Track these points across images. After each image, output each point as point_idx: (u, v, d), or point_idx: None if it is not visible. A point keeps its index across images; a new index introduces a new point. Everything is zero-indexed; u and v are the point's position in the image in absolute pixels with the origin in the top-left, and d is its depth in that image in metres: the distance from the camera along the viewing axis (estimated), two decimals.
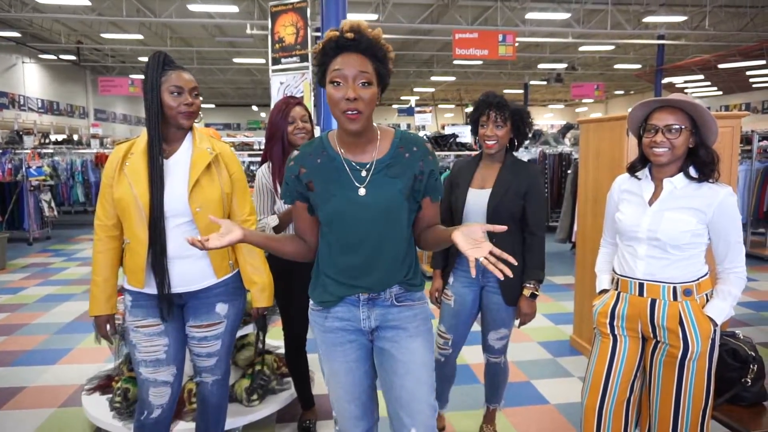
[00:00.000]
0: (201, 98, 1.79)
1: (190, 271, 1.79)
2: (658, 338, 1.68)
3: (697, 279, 1.66)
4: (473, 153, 2.29)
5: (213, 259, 1.81)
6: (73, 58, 17.91)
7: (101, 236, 1.80)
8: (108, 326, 1.85)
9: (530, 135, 2.22)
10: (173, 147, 1.80)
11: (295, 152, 1.46)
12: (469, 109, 2.24)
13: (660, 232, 1.62)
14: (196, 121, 1.83)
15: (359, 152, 1.42)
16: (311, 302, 1.56)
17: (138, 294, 1.79)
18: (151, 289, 1.77)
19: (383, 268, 1.45)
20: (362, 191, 1.39)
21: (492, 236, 2.09)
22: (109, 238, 1.80)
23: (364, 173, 1.40)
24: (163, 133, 1.76)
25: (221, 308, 1.86)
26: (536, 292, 2.11)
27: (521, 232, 2.13)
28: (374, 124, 1.45)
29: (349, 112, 1.31)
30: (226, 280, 1.86)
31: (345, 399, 1.52)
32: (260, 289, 1.94)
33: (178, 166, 1.77)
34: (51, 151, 8.93)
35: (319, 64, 1.37)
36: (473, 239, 1.27)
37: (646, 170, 1.72)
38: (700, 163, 1.62)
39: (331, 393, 1.56)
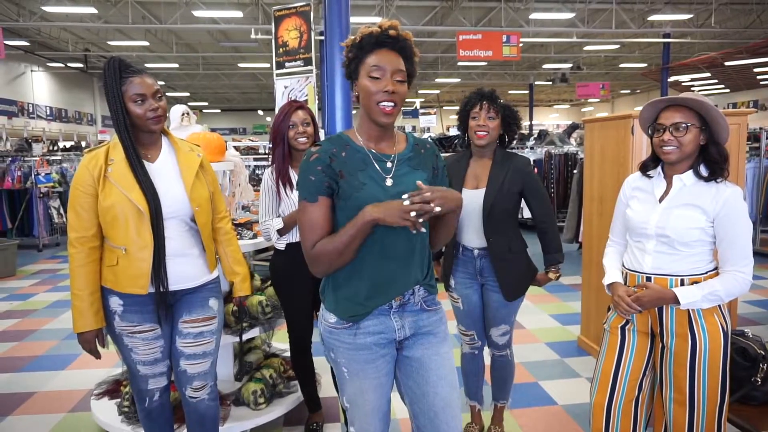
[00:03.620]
0: (165, 99, 1.77)
1: (189, 269, 1.82)
2: (665, 333, 1.67)
3: (705, 272, 1.64)
4: None
5: (208, 254, 1.87)
6: (80, 65, 18.08)
7: (81, 248, 1.72)
8: (97, 341, 1.78)
9: (518, 133, 2.28)
10: (154, 151, 1.81)
11: (314, 148, 1.41)
12: None
13: (669, 228, 1.62)
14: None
15: (382, 145, 1.45)
16: (331, 320, 1.44)
17: (131, 299, 1.76)
18: (153, 290, 1.77)
19: (415, 262, 1.43)
20: (389, 182, 1.40)
21: (489, 235, 2.12)
22: (91, 250, 1.73)
23: (389, 164, 1.42)
24: (137, 139, 1.76)
25: (214, 303, 1.90)
26: (558, 274, 2.24)
27: (517, 228, 2.19)
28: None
29: (385, 104, 1.35)
30: (215, 278, 1.92)
31: (371, 414, 1.48)
32: (242, 279, 2.03)
33: (167, 169, 1.80)
34: (59, 158, 9.00)
35: (352, 57, 1.39)
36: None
37: (659, 168, 1.72)
38: (710, 160, 1.62)
39: (355, 409, 1.47)
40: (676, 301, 1.60)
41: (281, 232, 2.24)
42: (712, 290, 1.59)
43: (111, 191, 1.70)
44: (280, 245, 2.29)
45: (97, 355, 1.82)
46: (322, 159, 1.38)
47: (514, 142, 2.41)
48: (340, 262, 1.37)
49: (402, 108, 1.43)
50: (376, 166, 1.41)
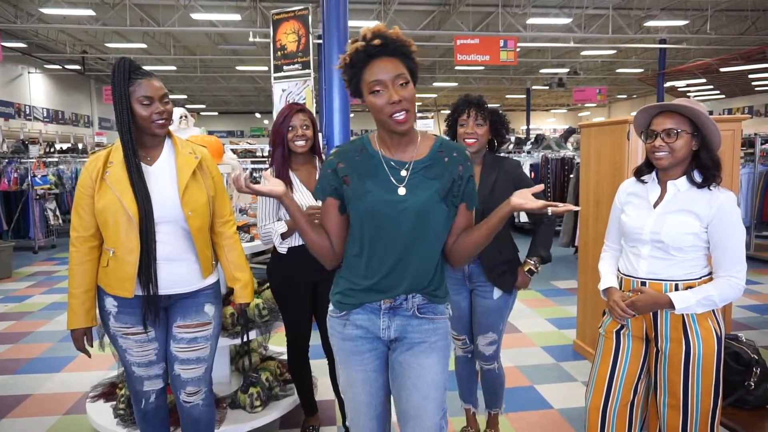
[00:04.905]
0: (171, 103, 1.78)
1: (184, 274, 1.81)
2: (660, 337, 1.68)
3: (700, 277, 1.66)
4: None
5: (201, 260, 1.83)
6: (77, 67, 18.06)
7: (80, 247, 1.75)
8: (85, 339, 1.81)
9: (507, 136, 2.27)
10: (155, 153, 1.81)
11: (334, 150, 1.48)
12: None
13: (663, 234, 1.63)
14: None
15: (400, 152, 1.42)
16: (331, 307, 1.53)
17: (123, 301, 1.76)
18: (141, 293, 1.77)
19: (412, 273, 1.41)
20: (402, 190, 1.38)
21: None
22: (89, 249, 1.76)
23: (403, 173, 1.40)
24: (140, 141, 1.76)
25: (209, 309, 1.88)
26: (534, 269, 2.17)
27: (509, 232, 2.21)
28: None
29: (397, 115, 1.33)
30: (213, 284, 1.90)
31: (362, 411, 1.50)
32: (243, 286, 1.99)
33: (164, 172, 1.79)
34: (56, 159, 8.99)
35: (350, 77, 1.37)
36: (530, 199, 1.34)
37: (653, 174, 1.74)
38: (703, 166, 1.63)
39: (347, 402, 1.53)
40: (671, 306, 1.61)
41: (284, 236, 2.21)
42: (706, 295, 1.60)
43: (105, 194, 1.70)
44: (282, 249, 2.26)
45: (87, 354, 1.84)
46: (331, 163, 1.45)
47: (510, 146, 2.43)
48: (311, 248, 1.48)
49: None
50: (388, 173, 1.40)
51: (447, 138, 1.51)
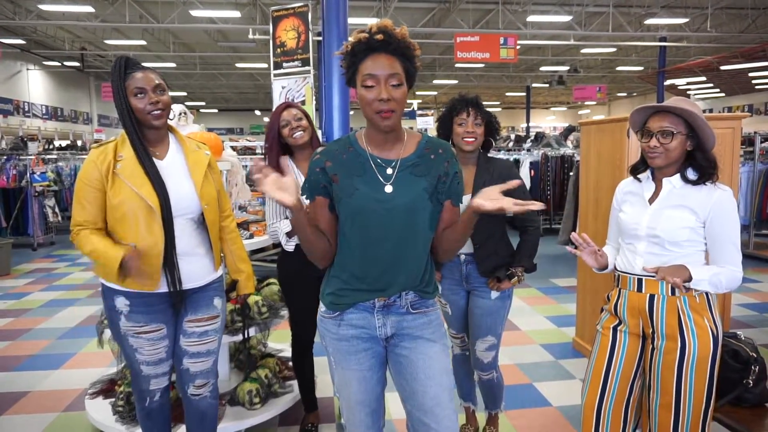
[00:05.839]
0: (168, 95, 1.76)
1: (196, 268, 1.82)
2: (656, 335, 1.68)
3: None
4: None
5: (214, 252, 1.87)
6: (76, 64, 18.02)
7: (87, 233, 1.70)
8: (131, 259, 1.63)
9: (499, 137, 2.28)
10: (162, 149, 1.81)
11: (321, 148, 1.48)
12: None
13: (659, 229, 1.64)
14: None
15: (386, 150, 1.43)
16: (322, 308, 1.53)
17: (138, 299, 1.75)
18: (161, 290, 1.76)
19: (402, 270, 1.44)
20: (389, 188, 1.39)
21: (476, 241, 2.13)
22: (98, 230, 1.72)
23: (390, 171, 1.41)
24: (144, 137, 1.76)
25: (218, 302, 1.91)
26: (519, 279, 2.15)
27: (505, 232, 2.19)
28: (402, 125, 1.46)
29: (383, 113, 1.34)
30: (219, 276, 1.93)
31: (357, 408, 1.51)
32: (247, 277, 2.03)
33: (176, 167, 1.80)
34: (55, 156, 8.97)
35: (348, 66, 1.38)
36: (493, 198, 1.33)
37: (648, 172, 1.75)
38: (698, 166, 1.64)
39: (343, 401, 1.54)
40: (689, 277, 1.56)
41: (290, 234, 2.21)
42: (716, 272, 1.58)
43: (121, 188, 1.69)
44: (289, 247, 2.25)
45: (136, 260, 1.65)
46: (319, 161, 1.44)
47: (510, 144, 2.43)
48: (309, 253, 1.46)
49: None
50: (375, 171, 1.41)
51: (433, 136, 1.52)
